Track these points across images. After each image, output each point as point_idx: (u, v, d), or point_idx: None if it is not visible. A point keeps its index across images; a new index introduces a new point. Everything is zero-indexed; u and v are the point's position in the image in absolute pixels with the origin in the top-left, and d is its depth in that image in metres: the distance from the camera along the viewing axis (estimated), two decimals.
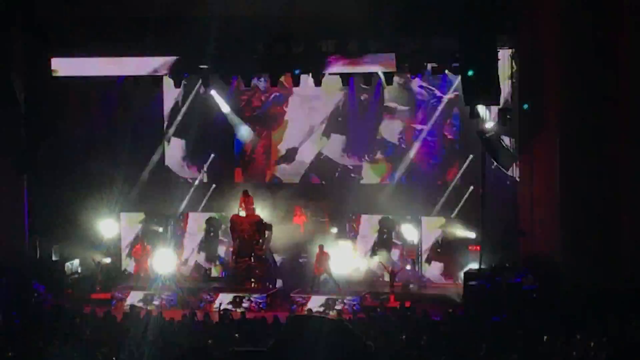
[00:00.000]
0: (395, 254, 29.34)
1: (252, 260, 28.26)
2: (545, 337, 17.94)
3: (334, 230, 29.71)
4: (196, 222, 31.03)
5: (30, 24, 25.81)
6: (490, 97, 23.73)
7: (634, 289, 22.11)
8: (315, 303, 25.93)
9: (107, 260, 29.70)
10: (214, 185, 31.47)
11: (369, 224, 29.89)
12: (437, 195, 29.63)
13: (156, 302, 26.69)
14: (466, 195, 29.06)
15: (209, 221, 30.90)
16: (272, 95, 30.78)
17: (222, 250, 30.66)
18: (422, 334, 18.55)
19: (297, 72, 27.29)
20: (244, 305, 26.16)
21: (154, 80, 28.57)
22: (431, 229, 29.32)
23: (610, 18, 23.55)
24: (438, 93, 29.54)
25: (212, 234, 30.88)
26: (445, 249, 29.04)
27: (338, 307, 25.59)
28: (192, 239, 30.97)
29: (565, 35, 24.05)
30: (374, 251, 29.42)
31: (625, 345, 17.05)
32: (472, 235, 28.09)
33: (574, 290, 22.44)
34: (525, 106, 24.86)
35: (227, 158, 31.49)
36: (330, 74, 27.20)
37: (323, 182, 30.91)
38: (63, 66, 27.02)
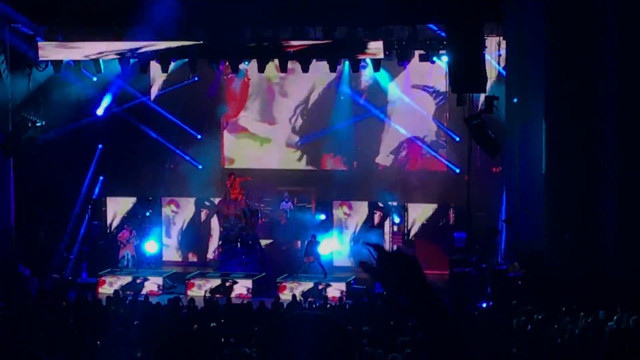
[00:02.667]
0: (381, 240, 29.42)
1: (239, 245, 28.32)
2: (529, 324, 18.09)
3: (322, 216, 29.76)
4: (183, 206, 31.04)
5: (17, 6, 25.76)
6: (477, 84, 23.77)
7: (616, 277, 22.25)
8: (301, 289, 25.99)
9: (93, 244, 29.71)
10: (200, 166, 31.34)
11: (355, 210, 29.96)
12: (423, 181, 29.68)
13: (142, 287, 26.72)
14: (452, 182, 29.12)
15: (195, 205, 30.94)
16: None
17: (208, 235, 30.70)
18: (409, 320, 18.63)
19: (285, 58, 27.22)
20: (231, 290, 26.21)
21: (141, 65, 28.37)
22: (417, 215, 29.45)
23: (597, 7, 23.63)
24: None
25: (199, 218, 30.93)
26: (431, 236, 29.14)
27: (324, 293, 25.67)
28: (178, 223, 30.98)
29: (552, 24, 24.09)
30: (359, 237, 29.50)
31: (608, 332, 17.17)
32: (458, 221, 28.19)
33: (557, 277, 22.56)
34: (515, 100, 24.90)
35: (214, 142, 31.47)
36: (317, 60, 27.14)
37: (310, 168, 30.98)
38: (50, 49, 26.89)
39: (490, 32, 25.32)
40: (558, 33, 23.85)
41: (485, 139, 24.79)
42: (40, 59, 26.57)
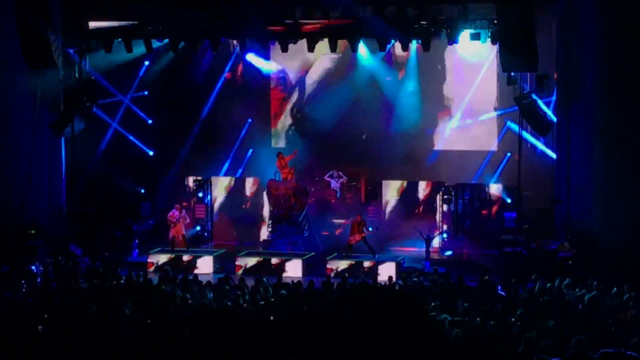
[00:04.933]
0: (431, 220, 29.24)
1: (289, 224, 28.33)
2: (580, 304, 17.94)
3: (373, 195, 29.67)
4: (234, 187, 31.11)
5: None
6: (528, 63, 23.53)
7: None
8: (349, 269, 25.91)
9: (143, 223, 29.90)
10: (251, 150, 31.54)
11: (405, 190, 29.83)
12: (474, 162, 29.52)
13: (191, 265, 26.86)
14: (504, 162, 28.95)
15: (246, 186, 31.02)
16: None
17: (258, 215, 30.73)
18: (458, 300, 18.56)
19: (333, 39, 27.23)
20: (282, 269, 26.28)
21: (191, 44, 28.45)
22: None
23: None
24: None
25: (249, 198, 30.98)
26: (478, 215, 28.96)
27: (373, 272, 25.61)
28: (229, 204, 31.06)
29: (605, 3, 23.81)
30: (409, 217, 29.42)
31: None
32: (508, 201, 28.01)
33: (610, 257, 22.32)
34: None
35: (264, 122, 31.56)
36: (365, 38, 27.14)
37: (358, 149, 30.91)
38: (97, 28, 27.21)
39: (540, 11, 25.06)
40: (611, 11, 23.54)
41: (535, 117, 24.60)
42: (90, 28, 26.87)
